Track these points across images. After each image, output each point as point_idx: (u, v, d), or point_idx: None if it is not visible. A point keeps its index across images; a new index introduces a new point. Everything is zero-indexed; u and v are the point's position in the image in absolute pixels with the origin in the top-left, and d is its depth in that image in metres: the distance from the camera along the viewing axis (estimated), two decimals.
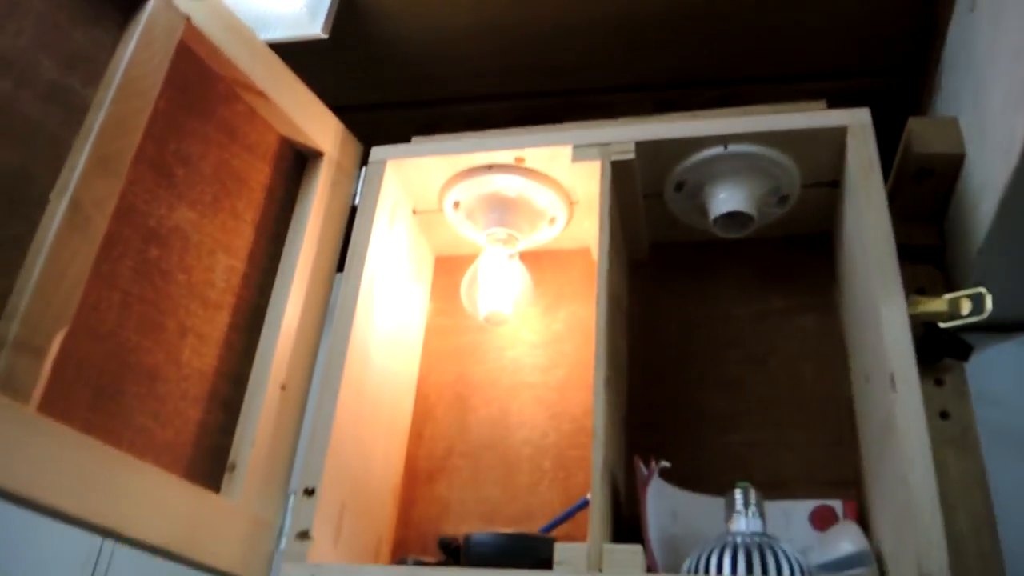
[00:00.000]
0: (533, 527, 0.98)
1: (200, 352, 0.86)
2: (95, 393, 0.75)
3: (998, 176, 0.85)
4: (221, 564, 0.79)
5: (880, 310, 0.83)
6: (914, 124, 0.97)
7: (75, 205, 0.73)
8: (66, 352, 0.72)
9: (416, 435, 1.08)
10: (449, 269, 1.20)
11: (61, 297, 0.71)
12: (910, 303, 0.88)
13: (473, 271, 1.08)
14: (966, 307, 0.87)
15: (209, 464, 0.84)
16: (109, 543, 1.12)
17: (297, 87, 1.00)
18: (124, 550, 1.03)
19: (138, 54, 0.81)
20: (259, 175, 0.97)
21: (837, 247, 1.05)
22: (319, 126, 1.03)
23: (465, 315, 1.12)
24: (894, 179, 1.01)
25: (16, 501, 0.65)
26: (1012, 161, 0.81)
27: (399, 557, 0.90)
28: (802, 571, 0.78)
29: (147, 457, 0.78)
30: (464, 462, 1.05)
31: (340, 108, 1.13)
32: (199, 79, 0.90)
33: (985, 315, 0.86)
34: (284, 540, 0.85)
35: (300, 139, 1.01)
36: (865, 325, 0.90)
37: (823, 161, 0.99)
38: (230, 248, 0.91)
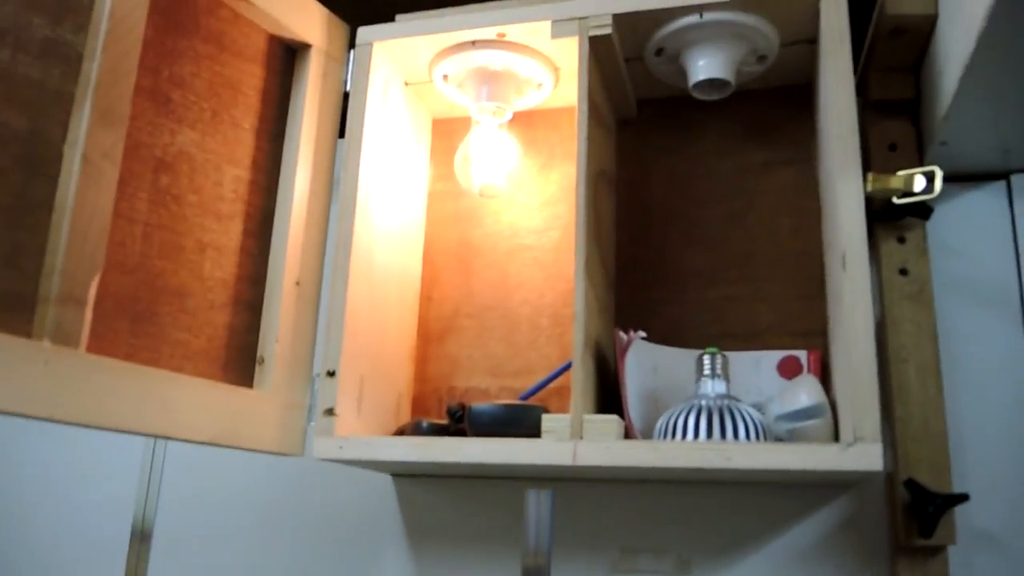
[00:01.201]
0: (534, 379, 1.11)
1: (220, 263, 0.95)
2: (132, 320, 0.86)
3: (960, 51, 0.86)
4: (262, 447, 0.93)
5: (836, 188, 0.88)
6: None
7: (87, 160, 0.80)
8: (102, 292, 0.82)
9: (426, 298, 1.19)
10: (447, 132, 1.25)
11: (90, 247, 0.81)
12: (867, 180, 0.93)
13: (464, 147, 1.14)
14: (919, 183, 0.91)
15: (241, 361, 0.96)
16: None
17: None
18: None
19: None
20: (252, 79, 1.01)
21: (816, 100, 1.08)
22: (304, 17, 1.05)
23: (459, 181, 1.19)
24: (871, 36, 1.02)
25: (84, 427, 0.79)
26: (971, 42, 0.82)
27: (415, 419, 1.04)
28: (758, 429, 0.90)
29: (186, 366, 0.90)
30: (470, 322, 1.17)
31: None
32: None
33: (935, 193, 0.91)
34: (313, 418, 1.00)
35: (286, 34, 1.04)
36: (827, 194, 0.96)
37: (800, 20, 1.00)
38: (234, 158, 0.98)
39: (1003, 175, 1.06)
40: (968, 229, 1.05)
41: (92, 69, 0.82)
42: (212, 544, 1.22)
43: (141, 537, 1.24)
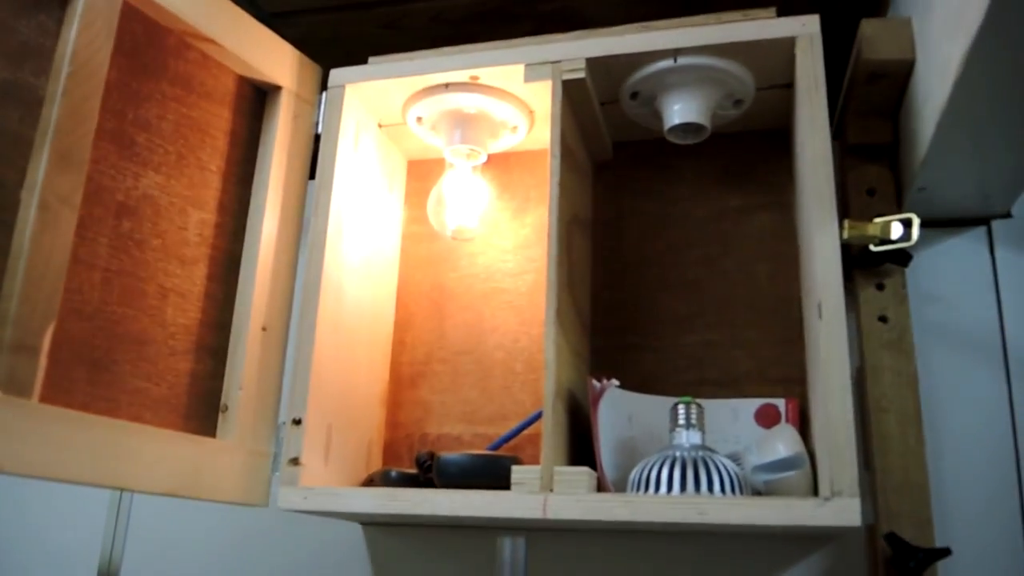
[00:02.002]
0: (507, 426, 1.08)
1: (183, 308, 0.93)
2: (90, 368, 0.83)
3: (937, 96, 0.85)
4: (225, 498, 0.91)
5: (813, 237, 0.87)
6: (866, 27, 0.96)
7: (44, 205, 0.78)
8: (58, 339, 0.80)
9: (399, 342, 1.17)
10: (422, 174, 1.23)
11: (46, 294, 0.78)
12: (843, 227, 0.91)
13: (438, 190, 1.12)
14: (896, 231, 0.90)
15: (204, 409, 0.94)
16: None
17: (247, 23, 1.00)
18: None
19: (83, 33, 0.83)
20: (220, 121, 1.00)
21: (793, 144, 1.07)
22: (274, 59, 1.04)
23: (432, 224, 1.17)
24: (849, 80, 1.01)
25: (38, 479, 0.76)
26: (947, 87, 0.81)
27: (384, 468, 1.01)
28: (734, 482, 0.88)
29: (145, 415, 0.88)
30: (443, 367, 1.15)
31: (300, 12, 1.13)
32: (147, 38, 0.91)
33: (913, 241, 0.89)
34: (278, 467, 0.97)
35: (256, 76, 1.03)
36: (805, 242, 0.94)
37: (775, 65, 0.99)
38: (199, 202, 0.96)
39: (983, 220, 1.05)
40: (948, 275, 1.03)
41: (52, 113, 0.81)
42: None
43: None
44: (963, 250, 1.04)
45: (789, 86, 1.03)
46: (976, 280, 1.03)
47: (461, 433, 1.11)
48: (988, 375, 1.00)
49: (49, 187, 0.79)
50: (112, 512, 1.24)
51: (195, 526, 1.20)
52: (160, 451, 0.86)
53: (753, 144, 1.12)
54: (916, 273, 1.02)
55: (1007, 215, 1.05)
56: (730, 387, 1.05)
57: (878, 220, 0.92)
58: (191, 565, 1.19)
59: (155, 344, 0.90)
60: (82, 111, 0.83)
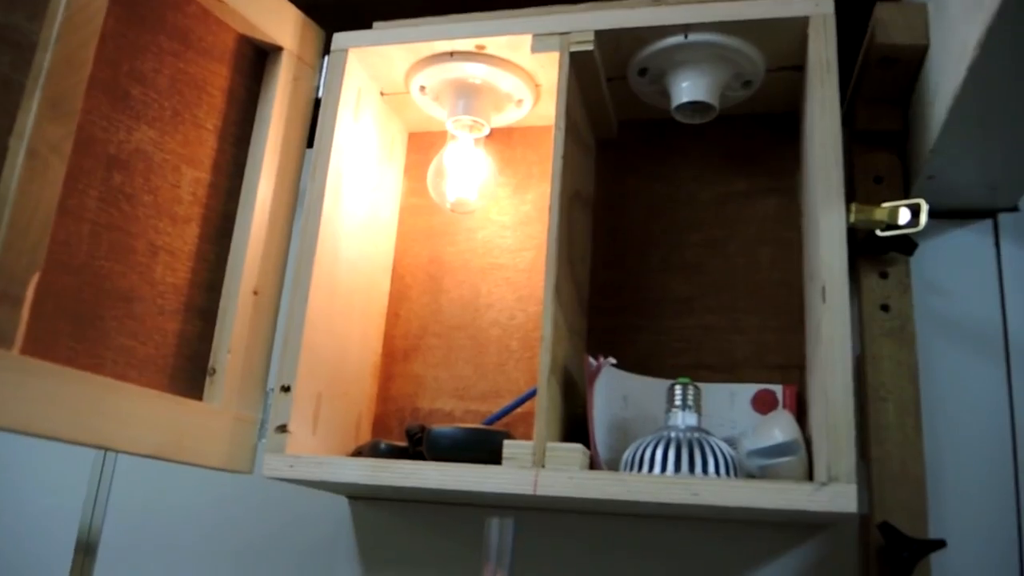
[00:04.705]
0: (501, 403, 1.07)
1: (173, 268, 0.91)
2: (75, 323, 0.81)
3: (951, 82, 0.84)
4: (209, 463, 0.89)
5: (819, 219, 0.85)
6: (880, 11, 0.94)
7: (32, 152, 0.76)
8: (42, 291, 0.77)
9: (393, 315, 1.15)
10: (423, 146, 1.21)
11: (31, 243, 0.76)
12: (850, 210, 0.90)
13: (438, 161, 1.10)
14: (903, 216, 0.88)
15: (191, 370, 0.92)
16: None
17: None
18: None
19: None
20: (218, 79, 0.97)
21: (801, 129, 1.05)
22: (277, 19, 1.02)
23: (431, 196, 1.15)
24: (860, 64, 0.99)
25: (14, 433, 0.74)
26: (961, 72, 0.80)
27: (373, 440, 0.99)
28: (729, 464, 0.86)
29: (130, 374, 0.85)
30: (438, 341, 1.13)
31: None
32: None
33: (920, 227, 0.88)
34: (265, 434, 0.95)
35: (257, 35, 1.01)
36: (810, 225, 0.93)
37: (787, 46, 0.97)
38: (194, 160, 0.94)
39: (990, 213, 1.03)
40: (953, 267, 1.02)
41: (45, 59, 0.78)
42: (159, 561, 1.16)
43: (86, 550, 1.19)
44: (968, 242, 1.02)
45: (799, 68, 1.01)
46: (980, 273, 1.01)
47: (453, 409, 1.09)
48: (988, 368, 0.98)
49: (39, 134, 0.77)
50: (94, 477, 1.22)
51: (177, 494, 1.18)
52: (144, 411, 0.84)
53: (759, 128, 1.10)
54: (919, 263, 1.01)
55: (1014, 208, 1.03)
56: (727, 372, 1.03)
57: (886, 205, 0.90)
58: (172, 535, 1.17)
59: (143, 302, 0.88)
60: (76, 59, 0.80)
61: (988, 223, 1.03)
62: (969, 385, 0.98)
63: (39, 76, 0.78)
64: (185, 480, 1.18)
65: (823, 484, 0.78)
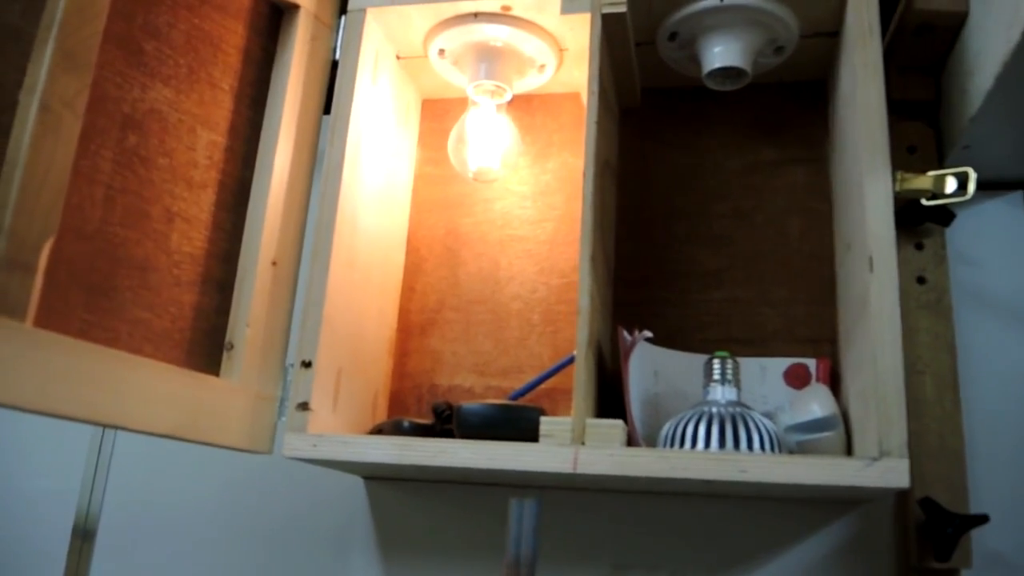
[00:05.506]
0: (523, 379, 1.03)
1: (189, 236, 0.86)
2: (88, 293, 0.76)
3: (998, 48, 0.81)
4: (227, 442, 0.84)
5: (864, 186, 0.83)
6: None
7: (45, 107, 0.71)
8: (55, 258, 0.72)
9: (408, 288, 1.11)
10: (436, 114, 1.17)
11: (44, 206, 0.71)
12: (895, 179, 0.87)
13: (460, 128, 1.06)
14: (950, 185, 0.86)
15: (207, 345, 0.87)
16: None
17: None
18: None
19: None
20: (233, 37, 0.92)
21: (831, 98, 1.03)
22: None
23: (452, 164, 1.11)
24: (894, 30, 0.97)
25: (24, 411, 0.69)
26: (1014, 37, 0.77)
27: (395, 418, 0.95)
28: (772, 440, 0.84)
29: (145, 348, 0.80)
30: (456, 315, 1.09)
31: None
32: None
33: (968, 196, 0.85)
34: (285, 412, 0.91)
35: None
36: (850, 193, 0.90)
37: (823, 11, 0.95)
38: (210, 122, 0.89)
39: (1020, 184, 1.02)
40: (987, 239, 1.00)
41: (57, 8, 0.72)
42: (161, 546, 1.11)
43: (84, 535, 1.14)
44: (1002, 214, 1.00)
45: (833, 35, 0.98)
46: (1015, 245, 1.00)
47: (473, 385, 1.05)
48: (1022, 340, 0.97)
49: (51, 89, 0.71)
50: (92, 457, 1.16)
51: (178, 476, 1.13)
52: (160, 388, 0.79)
53: (787, 96, 1.08)
54: (953, 236, 0.99)
55: None
56: (757, 345, 1.01)
57: (931, 173, 0.88)
58: (175, 518, 1.12)
59: (159, 272, 0.83)
60: (90, 9, 0.75)
61: (1018, 195, 1.02)
62: (1003, 357, 0.97)
63: (51, 26, 0.72)
64: (187, 460, 1.13)
65: (874, 459, 0.76)
